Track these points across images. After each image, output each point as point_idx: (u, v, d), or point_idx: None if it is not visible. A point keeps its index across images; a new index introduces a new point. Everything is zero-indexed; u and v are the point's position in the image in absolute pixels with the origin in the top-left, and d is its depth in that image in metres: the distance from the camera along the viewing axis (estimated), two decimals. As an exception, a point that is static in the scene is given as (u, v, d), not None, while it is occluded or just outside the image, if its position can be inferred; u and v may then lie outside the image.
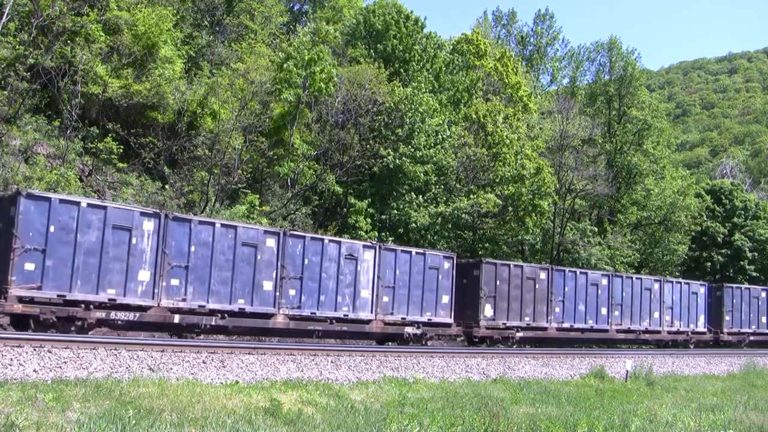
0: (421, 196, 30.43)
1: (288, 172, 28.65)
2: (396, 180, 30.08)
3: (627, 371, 18.28)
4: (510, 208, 32.39)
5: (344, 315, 19.67)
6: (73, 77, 23.58)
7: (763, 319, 33.69)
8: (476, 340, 23.09)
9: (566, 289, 25.50)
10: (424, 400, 11.87)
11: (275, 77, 28.86)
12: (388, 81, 31.09)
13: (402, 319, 20.94)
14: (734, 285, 33.88)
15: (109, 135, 24.10)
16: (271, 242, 18.39)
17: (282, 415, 9.32)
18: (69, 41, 23.91)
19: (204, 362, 12.98)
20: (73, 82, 23.62)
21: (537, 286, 24.48)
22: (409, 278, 21.18)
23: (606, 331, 26.74)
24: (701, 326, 30.87)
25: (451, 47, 40.11)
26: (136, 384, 10.30)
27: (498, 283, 23.39)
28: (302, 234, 19.55)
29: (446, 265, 22.30)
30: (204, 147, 26.94)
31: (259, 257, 18.06)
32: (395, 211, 29.68)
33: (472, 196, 31.28)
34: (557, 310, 25.06)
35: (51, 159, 22.90)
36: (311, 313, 19.00)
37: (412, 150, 30.09)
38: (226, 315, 17.36)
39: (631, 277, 28.61)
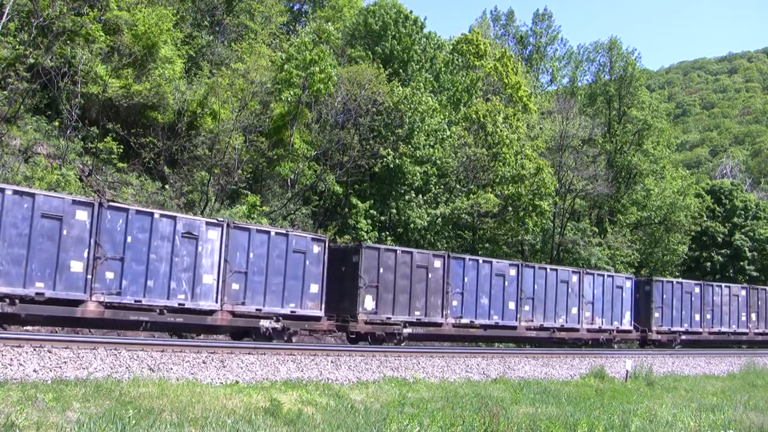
0: (421, 197, 30.44)
1: (288, 172, 28.65)
2: (396, 180, 30.08)
3: (627, 371, 18.28)
4: (510, 208, 32.40)
5: (180, 304, 16.94)
6: (73, 77, 23.58)
7: (697, 317, 30.39)
8: (353, 336, 20.97)
9: (466, 279, 22.50)
10: (424, 400, 11.87)
11: (276, 77, 28.86)
12: (387, 81, 31.10)
13: (257, 310, 18.27)
14: (665, 279, 30.52)
15: (109, 135, 24.10)
16: (82, 215, 15.66)
17: (282, 415, 9.32)
18: (69, 41, 23.91)
19: (204, 362, 12.98)
20: (73, 82, 23.61)
21: (430, 275, 21.60)
22: (267, 263, 18.50)
23: (514, 328, 23.86)
24: (627, 324, 27.64)
25: (451, 47, 40.11)
26: (136, 384, 10.30)
27: (382, 271, 20.61)
28: (125, 206, 16.86)
29: (315, 249, 19.58)
30: (204, 147, 26.94)
31: (65, 232, 15.34)
32: (395, 211, 29.67)
33: (472, 196, 31.28)
34: (455, 303, 22.24)
35: (51, 159, 22.90)
36: (135, 300, 16.22)
37: (412, 149, 30.10)
38: (17, 300, 14.57)
39: (545, 268, 25.66)
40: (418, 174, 29.92)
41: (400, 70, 33.42)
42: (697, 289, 30.69)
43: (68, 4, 23.79)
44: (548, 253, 36.42)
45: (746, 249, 44.86)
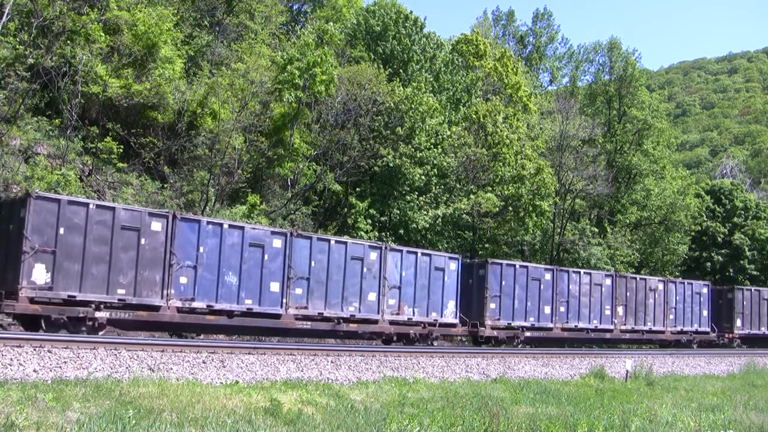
0: (421, 198, 30.45)
1: (288, 172, 28.66)
2: (396, 180, 30.09)
3: (627, 371, 18.29)
4: (510, 209, 32.40)
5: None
6: (73, 77, 23.57)
7: (547, 310, 24.99)
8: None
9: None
10: (424, 400, 11.87)
11: (276, 77, 28.86)
12: (387, 81, 31.10)
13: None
14: (504, 261, 24.69)
15: (109, 135, 24.10)
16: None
17: (282, 415, 9.32)
18: (69, 41, 23.90)
19: (204, 362, 12.98)
20: (73, 82, 23.61)
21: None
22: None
23: (278, 316, 18.47)
24: (450, 316, 22.24)
25: (451, 47, 40.11)
26: (136, 384, 10.29)
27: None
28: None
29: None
30: (204, 147, 26.93)
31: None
32: (397, 211, 29.68)
33: (472, 196, 31.28)
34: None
35: (51, 159, 22.89)
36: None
37: (413, 150, 30.11)
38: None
39: (328, 240, 19.79)
40: (418, 174, 29.93)
41: (400, 70, 33.42)
42: (548, 275, 25.14)
43: (68, 4, 23.78)
44: (548, 253, 36.43)
45: (746, 249, 44.87)
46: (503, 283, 23.56)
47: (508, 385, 15.07)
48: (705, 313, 31.15)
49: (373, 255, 20.18)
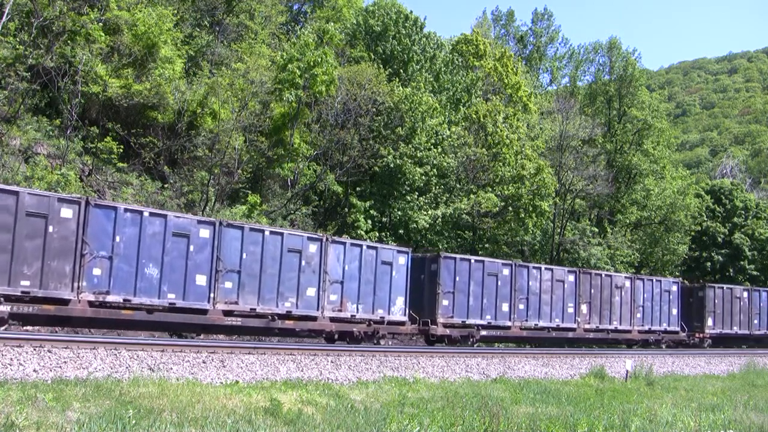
0: (422, 198, 30.46)
1: (288, 172, 28.66)
2: (396, 180, 30.10)
3: (627, 371, 18.28)
4: (510, 209, 32.40)
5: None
6: (73, 77, 23.58)
7: (505, 307, 23.27)
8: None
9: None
10: (424, 399, 11.87)
11: (277, 77, 28.87)
12: (387, 81, 31.11)
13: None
14: (458, 256, 23.00)
15: (109, 135, 24.11)
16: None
17: (282, 415, 9.32)
18: (69, 41, 23.91)
19: (204, 362, 12.98)
20: (73, 82, 23.62)
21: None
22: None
23: (205, 312, 16.93)
24: (399, 313, 20.74)
25: (451, 47, 40.13)
26: (136, 384, 10.29)
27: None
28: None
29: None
30: (204, 147, 26.94)
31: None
32: (398, 211, 29.69)
33: (472, 196, 31.29)
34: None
35: (51, 159, 22.90)
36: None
37: (413, 150, 30.12)
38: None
39: (262, 230, 18.34)
40: (418, 174, 29.94)
41: (400, 71, 33.44)
42: (506, 271, 23.56)
43: (68, 4, 23.79)
44: (548, 253, 36.43)
45: (746, 249, 44.88)
46: (457, 278, 22.01)
47: (508, 385, 15.07)
48: (674, 311, 29.53)
49: (313, 247, 18.79)
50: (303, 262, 18.54)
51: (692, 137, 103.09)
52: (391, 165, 29.60)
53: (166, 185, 26.00)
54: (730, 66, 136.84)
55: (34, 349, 11.52)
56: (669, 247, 41.24)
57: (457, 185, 32.59)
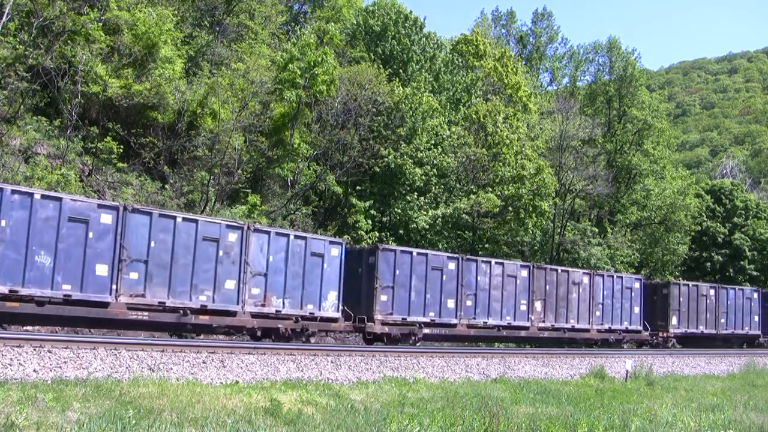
0: (422, 198, 30.47)
1: (288, 172, 28.67)
2: (396, 180, 30.12)
3: (627, 371, 18.28)
4: (510, 209, 32.41)
5: None
6: (73, 77, 23.59)
7: (450, 304, 21.75)
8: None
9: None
10: (424, 400, 11.86)
11: (277, 77, 28.88)
12: (387, 81, 31.13)
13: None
14: (399, 248, 21.50)
15: (109, 135, 24.12)
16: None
17: (282, 415, 9.32)
18: (69, 41, 23.91)
19: (204, 362, 12.98)
20: (73, 82, 23.63)
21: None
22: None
23: (106, 305, 15.40)
24: (331, 309, 19.33)
25: (451, 47, 40.15)
26: (136, 384, 10.29)
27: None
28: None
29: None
30: (204, 147, 26.95)
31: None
32: (399, 211, 29.70)
33: (472, 196, 31.30)
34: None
35: (51, 159, 22.90)
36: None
37: (414, 150, 30.13)
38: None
39: (173, 217, 16.65)
40: (418, 174, 29.96)
41: (400, 71, 33.45)
42: (451, 265, 21.99)
43: (68, 4, 23.79)
44: (548, 253, 36.44)
45: (746, 249, 44.89)
46: (397, 272, 20.42)
47: (508, 385, 15.06)
48: (637, 309, 27.82)
49: (233, 236, 17.23)
50: (221, 252, 16.97)
51: (692, 137, 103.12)
52: (392, 165, 29.61)
53: (166, 185, 26.00)
54: (730, 66, 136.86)
55: (34, 349, 11.52)
56: (669, 247, 41.24)
57: (457, 185, 32.60)
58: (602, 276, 27.15)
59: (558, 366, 19.04)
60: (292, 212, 28.93)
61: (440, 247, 29.22)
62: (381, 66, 31.71)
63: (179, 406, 9.06)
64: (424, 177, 30.30)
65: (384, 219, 29.97)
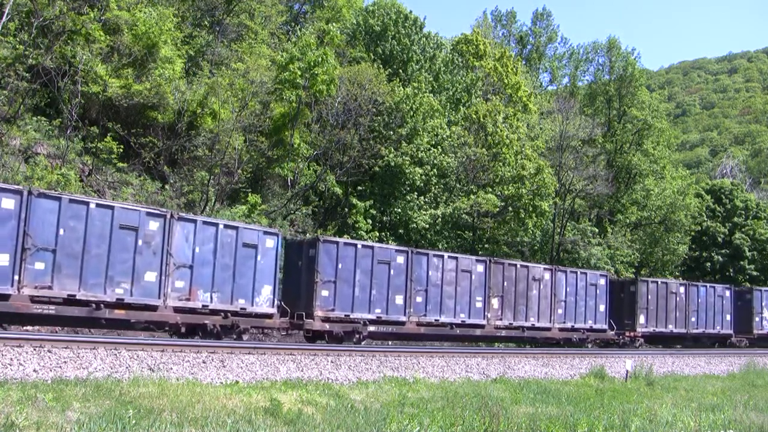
0: (422, 198, 30.47)
1: (288, 172, 28.67)
2: (397, 180, 30.12)
3: (627, 371, 18.28)
4: (510, 209, 32.40)
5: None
6: (73, 77, 23.59)
7: (399, 300, 20.58)
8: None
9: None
10: (424, 399, 11.87)
11: (277, 77, 28.88)
12: (387, 81, 31.13)
13: None
14: (342, 240, 20.37)
15: (109, 135, 24.12)
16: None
17: (282, 415, 9.32)
18: (69, 41, 23.92)
19: (204, 362, 12.98)
20: (73, 82, 23.63)
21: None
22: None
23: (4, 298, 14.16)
24: (266, 305, 18.14)
25: (451, 47, 40.15)
26: (136, 384, 10.30)
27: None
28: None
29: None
30: (204, 147, 26.96)
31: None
32: (399, 211, 29.69)
33: (472, 196, 31.30)
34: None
35: (51, 159, 22.91)
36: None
37: (414, 150, 30.13)
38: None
39: (89, 204, 15.45)
40: (418, 174, 29.96)
41: (400, 71, 33.45)
42: (400, 259, 20.66)
43: (68, 4, 23.80)
44: (548, 253, 36.44)
45: (746, 249, 44.89)
46: (340, 266, 19.17)
47: (508, 385, 15.07)
48: (602, 308, 26.49)
49: (154, 225, 15.98)
50: (140, 242, 15.73)
51: (692, 137, 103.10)
52: (392, 164, 29.60)
53: (166, 185, 26.00)
54: (730, 66, 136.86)
55: (34, 349, 11.52)
56: (669, 247, 41.24)
57: (457, 185, 32.60)
58: (565, 272, 25.91)
59: (558, 366, 19.04)
60: (292, 212, 28.93)
61: (440, 247, 29.22)
62: (381, 66, 31.70)
63: (179, 406, 9.07)
64: (424, 177, 30.30)
65: (384, 219, 29.96)
